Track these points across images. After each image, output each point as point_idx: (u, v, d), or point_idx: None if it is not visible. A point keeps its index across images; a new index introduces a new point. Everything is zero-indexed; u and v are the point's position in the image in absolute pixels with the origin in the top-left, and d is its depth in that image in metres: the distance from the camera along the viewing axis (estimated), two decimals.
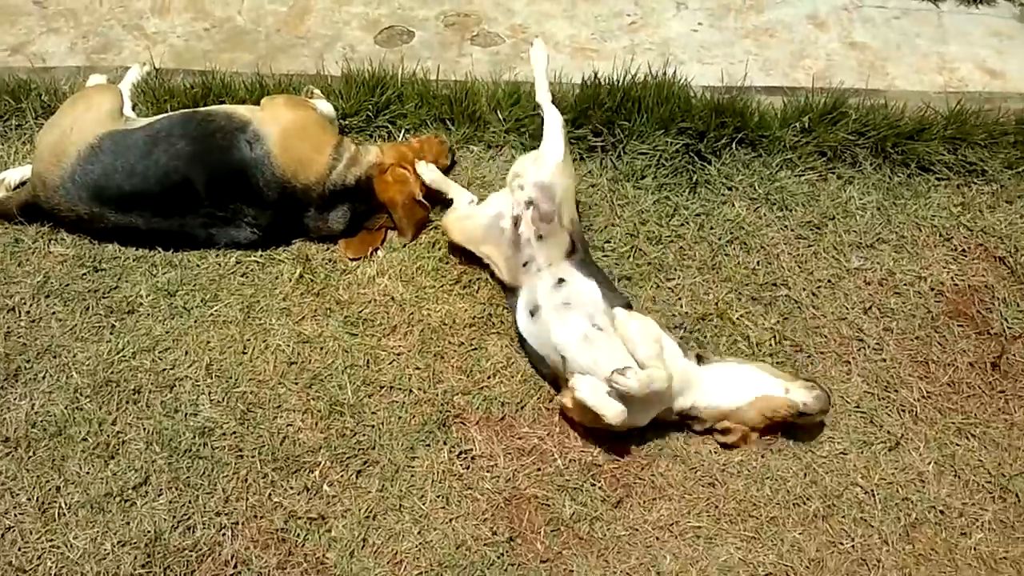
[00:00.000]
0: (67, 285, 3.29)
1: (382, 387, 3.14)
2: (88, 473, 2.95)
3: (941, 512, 2.99)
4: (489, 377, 3.18)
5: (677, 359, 2.95)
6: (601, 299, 3.03)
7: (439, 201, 3.48)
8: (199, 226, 3.33)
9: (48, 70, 3.98)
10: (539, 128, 3.65)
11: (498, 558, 2.85)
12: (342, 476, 2.97)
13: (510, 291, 3.21)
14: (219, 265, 3.39)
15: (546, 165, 3.22)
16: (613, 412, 2.85)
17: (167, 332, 3.24)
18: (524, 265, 3.14)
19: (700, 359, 3.03)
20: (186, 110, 3.48)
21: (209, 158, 3.25)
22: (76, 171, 3.23)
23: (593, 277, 3.10)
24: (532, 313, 3.07)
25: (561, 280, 3.08)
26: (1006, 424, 3.17)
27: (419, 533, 2.89)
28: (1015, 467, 3.08)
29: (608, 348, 2.93)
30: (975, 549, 2.93)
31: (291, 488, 2.95)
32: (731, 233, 3.51)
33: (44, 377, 3.13)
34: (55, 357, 3.17)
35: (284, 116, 3.35)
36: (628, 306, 3.07)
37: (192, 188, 3.25)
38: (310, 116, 3.44)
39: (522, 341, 3.14)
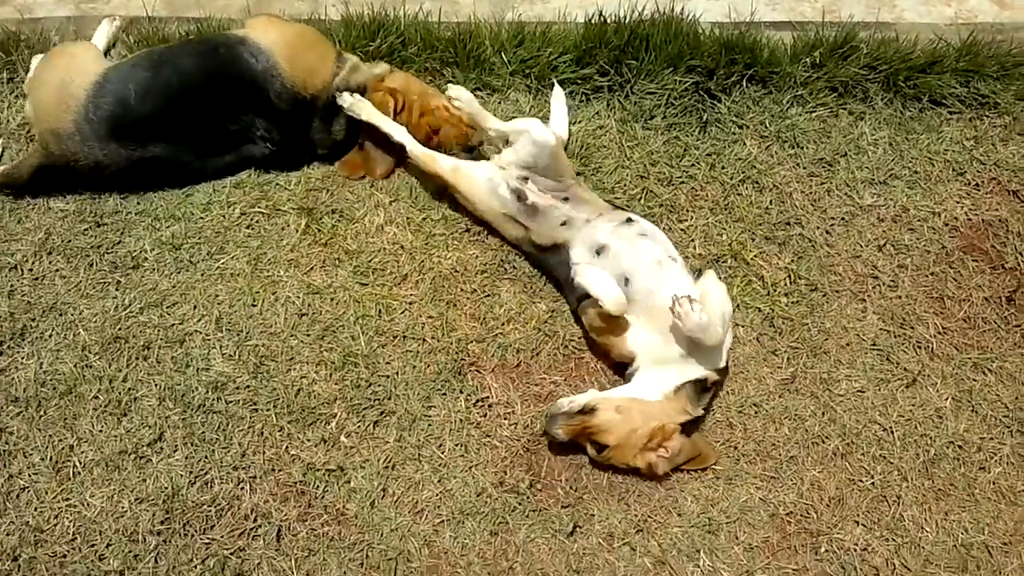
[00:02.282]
0: (69, 241, 3.23)
1: (395, 337, 3.10)
2: (101, 431, 2.92)
3: (959, 447, 2.99)
4: (503, 324, 3.14)
5: None
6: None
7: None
8: (215, 150, 3.30)
9: (36, 20, 3.86)
10: (544, 70, 3.60)
11: (519, 504, 2.84)
12: (359, 427, 2.95)
13: (549, 250, 3.11)
14: (223, 217, 3.32)
15: (545, 147, 3.16)
16: (612, 296, 2.83)
17: (174, 287, 3.18)
18: (563, 224, 3.07)
19: None
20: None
21: (216, 70, 3.21)
22: (88, 109, 3.14)
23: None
24: (599, 252, 3.00)
25: (630, 219, 3.05)
26: (1022, 358, 3.15)
27: (439, 482, 2.87)
28: None
29: (678, 277, 2.92)
30: (994, 483, 2.94)
31: (308, 440, 2.92)
32: (743, 172, 3.46)
33: (51, 335, 3.08)
34: (61, 315, 3.11)
35: (282, 29, 3.33)
36: None
37: (204, 102, 3.20)
38: (307, 28, 3.44)
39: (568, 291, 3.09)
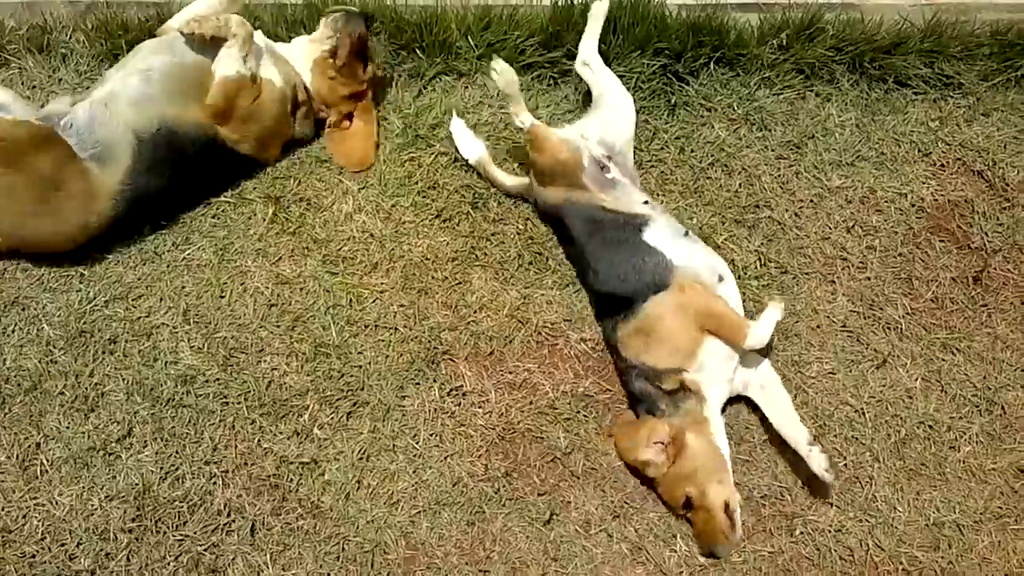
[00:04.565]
0: None
1: (367, 326, 3.08)
2: (68, 428, 2.86)
3: (930, 427, 3.02)
4: (475, 312, 3.13)
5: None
6: None
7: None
8: None
9: None
10: (511, 54, 3.56)
11: (495, 493, 2.84)
12: (332, 419, 2.92)
13: (629, 221, 3.03)
14: (188, 207, 3.26)
15: (621, 137, 3.18)
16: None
17: (139, 279, 3.13)
18: (645, 203, 3.07)
19: None
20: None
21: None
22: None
23: None
24: (686, 234, 3.03)
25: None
26: (990, 337, 3.19)
27: (414, 472, 2.86)
28: (1000, 380, 3.11)
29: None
30: (964, 462, 2.98)
31: (280, 433, 2.89)
32: (712, 156, 3.46)
33: (14, 331, 3.01)
34: (23, 309, 3.05)
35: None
36: None
37: None
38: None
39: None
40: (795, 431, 2.84)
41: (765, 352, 2.94)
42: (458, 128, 3.34)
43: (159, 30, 3.33)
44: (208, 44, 3.11)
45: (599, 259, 2.99)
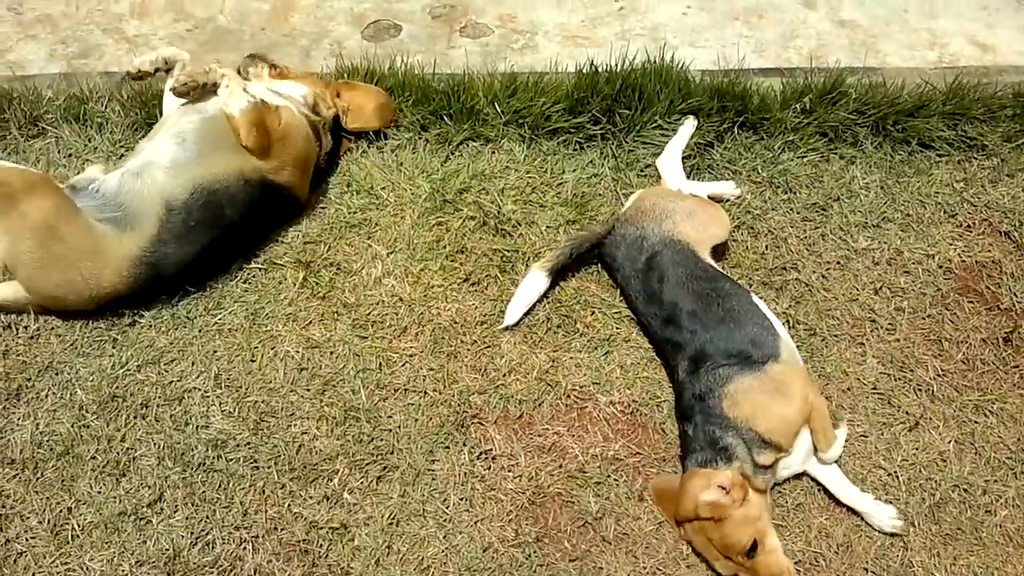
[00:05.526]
0: None
1: (396, 390, 3.09)
2: (100, 492, 2.87)
3: (965, 491, 2.99)
4: (504, 375, 3.13)
5: None
6: None
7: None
8: None
9: (29, 78, 3.86)
10: (537, 120, 3.63)
11: (526, 559, 2.82)
12: (362, 483, 2.92)
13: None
14: (220, 273, 3.30)
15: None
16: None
17: (171, 343, 3.16)
18: None
19: None
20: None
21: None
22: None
23: None
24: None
25: None
26: (1022, 399, 3.16)
27: (444, 537, 2.84)
28: None
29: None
30: (1000, 526, 2.93)
31: (311, 498, 2.89)
32: (738, 218, 3.48)
33: (47, 395, 3.04)
34: (57, 374, 3.08)
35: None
36: None
37: None
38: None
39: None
40: (855, 494, 2.90)
41: None
42: None
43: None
44: (206, 95, 3.24)
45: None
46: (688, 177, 3.50)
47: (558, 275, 3.29)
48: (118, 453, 2.94)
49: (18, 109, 3.66)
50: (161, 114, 3.49)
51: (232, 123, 3.17)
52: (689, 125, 3.57)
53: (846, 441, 2.99)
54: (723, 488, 2.70)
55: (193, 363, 3.12)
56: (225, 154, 3.16)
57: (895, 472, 3.01)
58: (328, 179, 3.56)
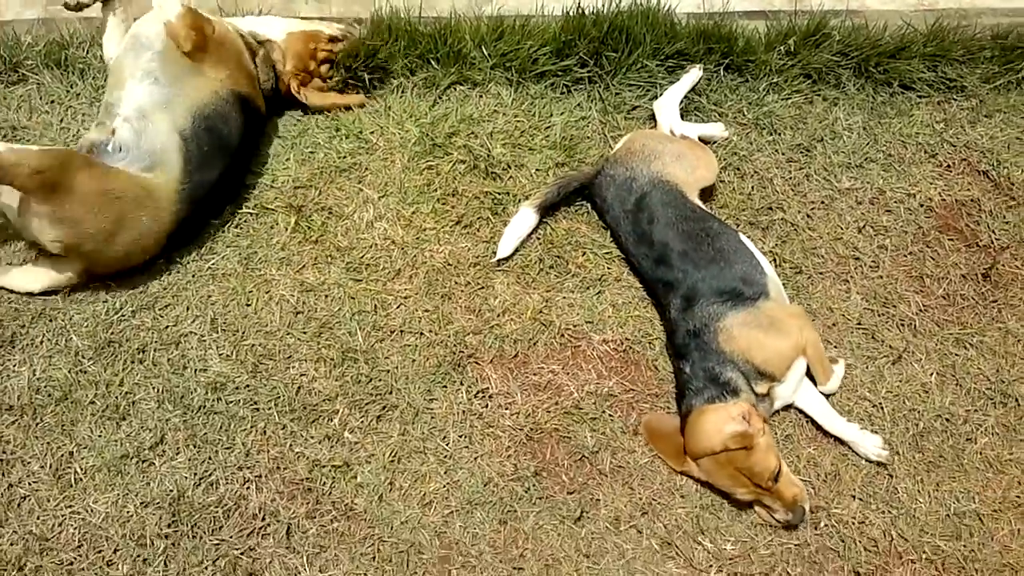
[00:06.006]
0: None
1: (392, 331, 3.12)
2: (101, 436, 2.89)
3: (947, 420, 3.08)
4: (499, 316, 3.18)
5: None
6: None
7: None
8: None
9: (6, 23, 3.79)
10: (524, 63, 3.63)
11: (525, 492, 2.88)
12: (362, 422, 2.96)
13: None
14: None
15: None
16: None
17: (165, 288, 3.16)
18: None
19: None
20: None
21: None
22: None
23: None
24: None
25: None
26: (1001, 332, 3.26)
27: (445, 473, 2.90)
28: (1013, 373, 3.18)
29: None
30: (981, 453, 3.04)
31: (312, 437, 2.93)
32: (724, 160, 3.52)
33: (42, 342, 3.04)
34: (51, 320, 3.07)
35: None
36: None
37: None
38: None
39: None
40: (842, 424, 2.99)
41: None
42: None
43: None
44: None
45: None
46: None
47: (548, 213, 3.33)
48: (117, 397, 2.95)
49: None
50: (103, 59, 3.51)
51: (170, 29, 3.17)
52: (694, 73, 3.59)
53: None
54: (744, 418, 2.77)
55: (188, 308, 3.13)
56: (193, 78, 3.18)
57: (880, 403, 3.09)
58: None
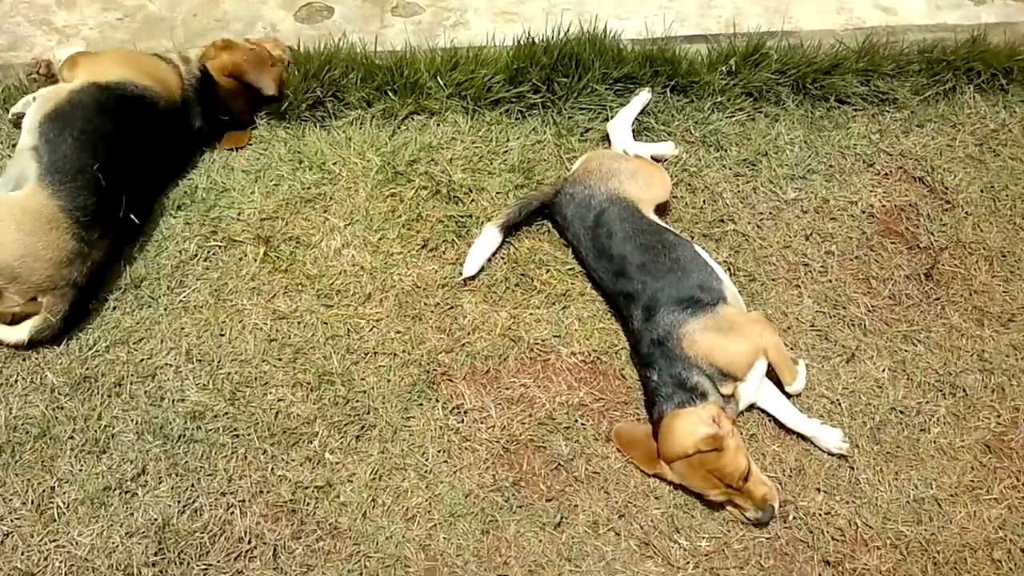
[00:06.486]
0: None
1: (367, 353, 3.19)
2: (82, 470, 2.91)
3: (901, 412, 3.24)
4: (468, 333, 3.27)
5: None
6: None
7: None
8: None
9: None
10: (479, 91, 3.76)
11: (506, 502, 2.96)
12: (342, 443, 3.02)
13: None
14: (180, 253, 3.37)
15: None
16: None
17: (137, 323, 3.21)
18: None
19: None
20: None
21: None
22: None
23: None
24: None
25: None
26: (946, 327, 3.43)
27: (426, 487, 2.97)
28: (959, 365, 3.35)
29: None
30: (935, 442, 3.19)
31: (293, 460, 2.98)
32: (676, 176, 3.67)
33: (17, 380, 3.06)
34: (24, 360, 3.10)
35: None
36: None
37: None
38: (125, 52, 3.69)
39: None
40: (803, 421, 3.13)
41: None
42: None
43: None
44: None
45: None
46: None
47: (511, 232, 3.44)
48: (96, 431, 2.98)
49: None
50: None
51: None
52: (644, 96, 3.76)
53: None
54: (714, 421, 2.89)
55: (162, 340, 3.18)
56: None
57: (837, 400, 3.24)
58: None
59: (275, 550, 2.83)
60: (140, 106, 3.36)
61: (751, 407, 3.18)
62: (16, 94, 3.69)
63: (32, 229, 3.02)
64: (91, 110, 3.25)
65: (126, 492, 2.89)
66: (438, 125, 3.76)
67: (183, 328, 3.20)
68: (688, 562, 2.91)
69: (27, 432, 2.96)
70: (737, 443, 2.91)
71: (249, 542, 2.84)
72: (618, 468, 3.06)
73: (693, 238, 3.51)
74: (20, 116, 3.51)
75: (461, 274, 3.35)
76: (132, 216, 3.29)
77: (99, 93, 3.29)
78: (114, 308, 3.23)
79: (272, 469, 2.96)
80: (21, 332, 3.09)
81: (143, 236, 3.38)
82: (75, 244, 3.09)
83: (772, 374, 3.16)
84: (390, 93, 3.77)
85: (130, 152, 3.29)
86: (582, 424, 3.13)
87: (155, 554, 2.79)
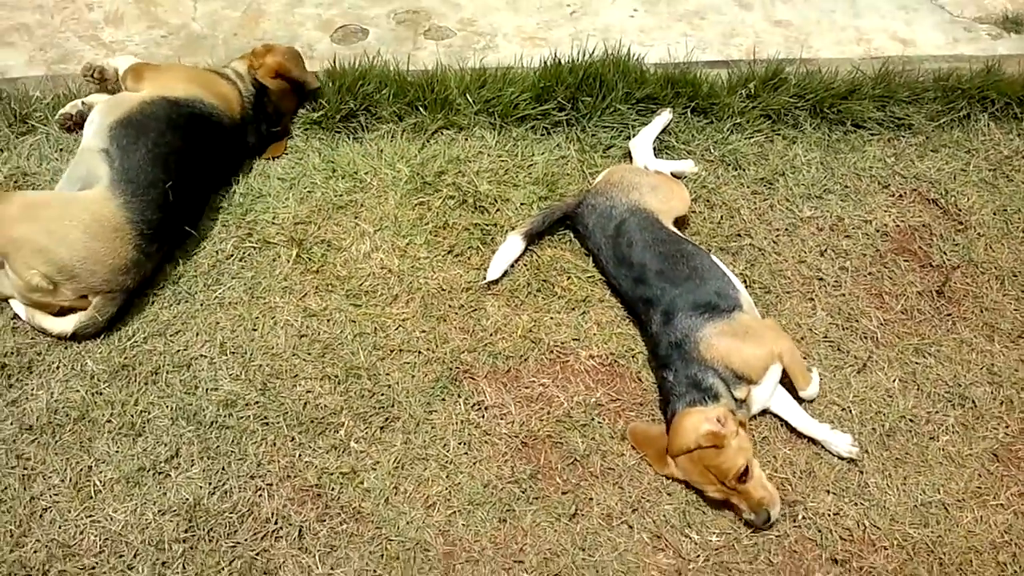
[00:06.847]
0: None
1: (392, 350, 3.32)
2: (118, 451, 3.04)
3: (910, 421, 3.31)
4: (491, 335, 3.39)
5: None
6: None
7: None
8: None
9: (15, 80, 4.04)
10: (506, 108, 3.92)
11: (523, 493, 3.06)
12: (367, 433, 3.14)
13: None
14: (216, 253, 3.52)
15: None
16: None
17: (175, 316, 3.35)
18: None
19: None
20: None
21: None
22: None
23: None
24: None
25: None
26: (956, 342, 3.52)
27: (447, 477, 3.07)
28: (968, 377, 3.43)
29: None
30: (943, 450, 3.26)
31: (319, 448, 3.09)
32: (695, 193, 3.80)
33: (58, 367, 3.20)
34: (66, 348, 3.24)
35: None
36: None
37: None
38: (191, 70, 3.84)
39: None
40: (814, 425, 3.21)
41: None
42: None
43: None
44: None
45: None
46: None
47: (534, 240, 3.57)
48: (132, 416, 3.11)
49: (8, 108, 3.85)
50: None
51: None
52: (665, 116, 3.92)
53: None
54: (719, 420, 2.98)
55: (197, 333, 3.32)
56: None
57: (848, 407, 3.32)
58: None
59: (300, 531, 2.94)
60: (208, 125, 3.55)
61: (764, 412, 3.27)
62: (64, 102, 3.88)
63: (98, 234, 3.18)
64: (163, 123, 3.41)
65: (159, 473, 3.01)
66: (466, 139, 3.92)
67: (218, 322, 3.35)
68: (698, 555, 2.99)
69: (67, 415, 3.10)
70: (740, 444, 2.99)
71: (275, 523, 2.95)
72: (632, 465, 3.15)
73: (711, 250, 3.63)
74: (67, 117, 3.71)
75: (485, 278, 3.47)
76: (188, 227, 3.48)
77: (170, 108, 3.46)
78: (153, 302, 3.37)
79: (299, 455, 3.08)
80: (66, 325, 3.24)
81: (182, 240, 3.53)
82: (135, 255, 3.25)
83: (785, 381, 3.25)
84: (421, 108, 3.94)
85: (196, 169, 3.48)
86: (598, 422, 3.23)
87: (185, 531, 2.90)
